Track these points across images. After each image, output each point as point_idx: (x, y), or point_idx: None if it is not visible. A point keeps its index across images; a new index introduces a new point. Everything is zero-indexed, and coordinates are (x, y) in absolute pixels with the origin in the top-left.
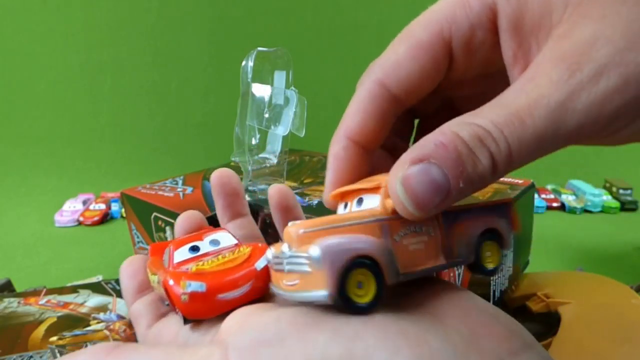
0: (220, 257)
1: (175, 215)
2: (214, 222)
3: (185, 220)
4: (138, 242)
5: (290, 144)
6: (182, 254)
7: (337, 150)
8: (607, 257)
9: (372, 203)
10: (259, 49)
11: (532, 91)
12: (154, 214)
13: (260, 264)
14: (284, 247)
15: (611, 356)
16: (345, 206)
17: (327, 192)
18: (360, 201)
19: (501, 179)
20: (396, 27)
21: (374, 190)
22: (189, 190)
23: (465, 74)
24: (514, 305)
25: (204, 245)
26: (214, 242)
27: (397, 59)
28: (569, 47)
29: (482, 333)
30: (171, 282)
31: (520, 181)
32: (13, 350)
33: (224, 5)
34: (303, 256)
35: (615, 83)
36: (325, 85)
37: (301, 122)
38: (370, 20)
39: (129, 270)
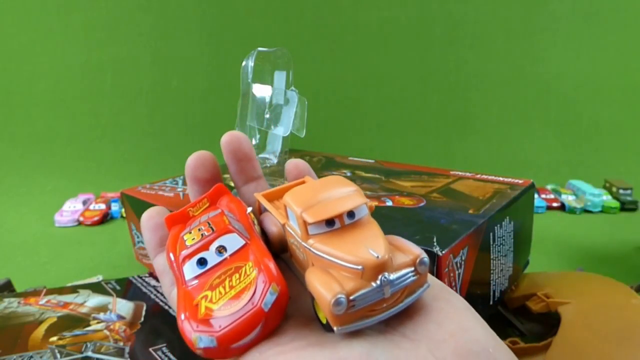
0: (227, 283)
1: None
2: None
3: (197, 165)
4: (138, 242)
5: (290, 144)
6: (190, 269)
7: None
8: (607, 257)
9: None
10: (260, 49)
11: None
12: None
13: (267, 303)
14: (382, 277)
15: (611, 356)
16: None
17: None
18: (351, 215)
19: (501, 179)
20: (396, 27)
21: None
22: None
23: None
24: (514, 305)
25: (211, 257)
26: (220, 250)
27: None
28: None
29: None
30: (182, 317)
31: (520, 181)
32: (13, 350)
33: (224, 5)
34: (409, 271)
35: None
36: (325, 85)
37: (302, 123)
38: (370, 20)
39: (150, 224)
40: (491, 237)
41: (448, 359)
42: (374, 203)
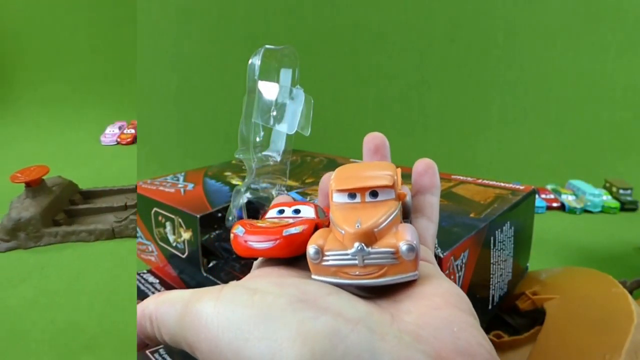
0: (276, 222)
1: (175, 211)
2: (210, 220)
3: (370, 139)
4: (138, 236)
5: (293, 144)
6: (272, 212)
7: None
8: (607, 257)
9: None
10: (267, 46)
11: None
12: (155, 209)
13: (288, 231)
14: (357, 245)
15: (592, 344)
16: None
17: None
18: (374, 194)
19: (502, 184)
20: (396, 27)
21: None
22: (190, 186)
23: None
24: (506, 306)
25: (288, 211)
26: (296, 211)
27: None
28: None
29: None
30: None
31: (521, 187)
32: None
33: (225, 6)
34: (389, 251)
35: None
36: (326, 86)
37: (307, 121)
38: (370, 20)
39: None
40: (492, 241)
41: (405, 338)
42: (404, 193)
